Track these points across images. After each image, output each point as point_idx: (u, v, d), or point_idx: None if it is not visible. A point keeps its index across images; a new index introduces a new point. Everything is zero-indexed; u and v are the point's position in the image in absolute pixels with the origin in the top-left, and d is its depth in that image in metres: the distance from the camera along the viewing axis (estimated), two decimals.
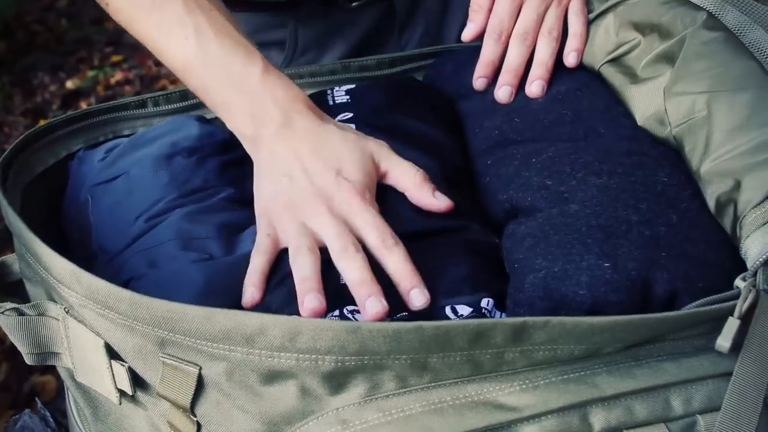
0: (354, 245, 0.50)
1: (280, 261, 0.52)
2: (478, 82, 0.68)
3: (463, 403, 0.43)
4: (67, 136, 0.65)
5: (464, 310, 0.48)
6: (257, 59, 0.57)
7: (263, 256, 0.52)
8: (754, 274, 0.46)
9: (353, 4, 0.84)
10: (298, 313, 0.47)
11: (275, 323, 0.41)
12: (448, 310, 0.48)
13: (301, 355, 0.42)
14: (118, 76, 2.49)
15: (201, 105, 0.65)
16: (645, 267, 0.48)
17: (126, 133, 0.68)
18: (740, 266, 0.47)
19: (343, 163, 0.54)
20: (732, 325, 0.44)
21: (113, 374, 0.48)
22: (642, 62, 0.62)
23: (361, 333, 0.41)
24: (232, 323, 0.42)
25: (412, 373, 0.43)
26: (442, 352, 0.42)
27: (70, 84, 2.44)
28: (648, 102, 0.59)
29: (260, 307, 0.50)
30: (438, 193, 0.55)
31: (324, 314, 0.47)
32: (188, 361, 0.45)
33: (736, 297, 0.45)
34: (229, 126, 0.59)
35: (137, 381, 0.48)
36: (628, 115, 0.61)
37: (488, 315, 0.49)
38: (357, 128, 0.60)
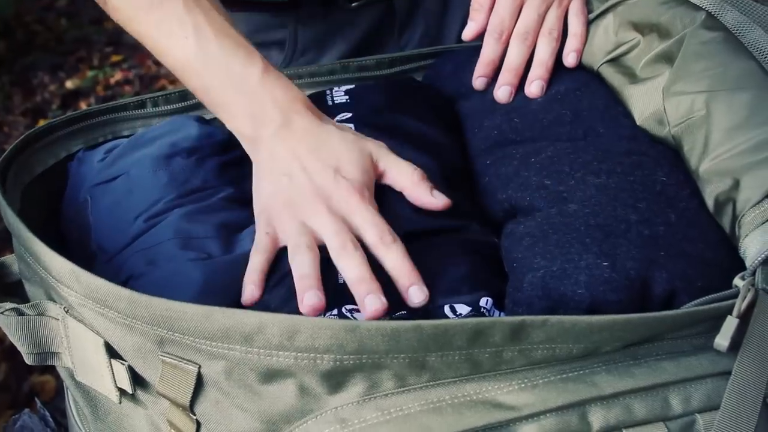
0: (353, 243, 0.50)
1: (279, 260, 0.52)
2: (478, 81, 0.68)
3: (462, 402, 0.43)
4: (67, 137, 0.65)
5: (463, 309, 0.48)
6: (257, 59, 0.57)
7: (262, 255, 0.52)
8: (753, 273, 0.46)
9: (353, 4, 0.84)
10: (297, 312, 0.47)
11: (274, 322, 0.42)
12: (446, 310, 0.48)
13: (299, 354, 0.42)
14: (118, 76, 2.49)
15: (200, 105, 0.65)
16: (644, 266, 0.48)
17: (125, 133, 0.68)
18: (739, 265, 0.48)
19: (342, 163, 0.54)
20: (731, 323, 0.44)
21: (113, 373, 0.48)
22: (641, 62, 0.62)
23: (360, 332, 0.41)
24: (231, 322, 0.42)
25: (411, 372, 0.43)
26: (441, 351, 0.42)
27: (69, 84, 2.44)
28: (647, 102, 0.59)
29: (259, 305, 0.50)
30: (436, 192, 0.55)
31: (323, 312, 0.47)
32: (187, 360, 0.45)
33: (735, 296, 0.45)
34: (229, 126, 0.59)
35: (137, 380, 0.48)
36: (627, 115, 0.61)
37: (487, 314, 0.49)
38: (356, 128, 0.60)
